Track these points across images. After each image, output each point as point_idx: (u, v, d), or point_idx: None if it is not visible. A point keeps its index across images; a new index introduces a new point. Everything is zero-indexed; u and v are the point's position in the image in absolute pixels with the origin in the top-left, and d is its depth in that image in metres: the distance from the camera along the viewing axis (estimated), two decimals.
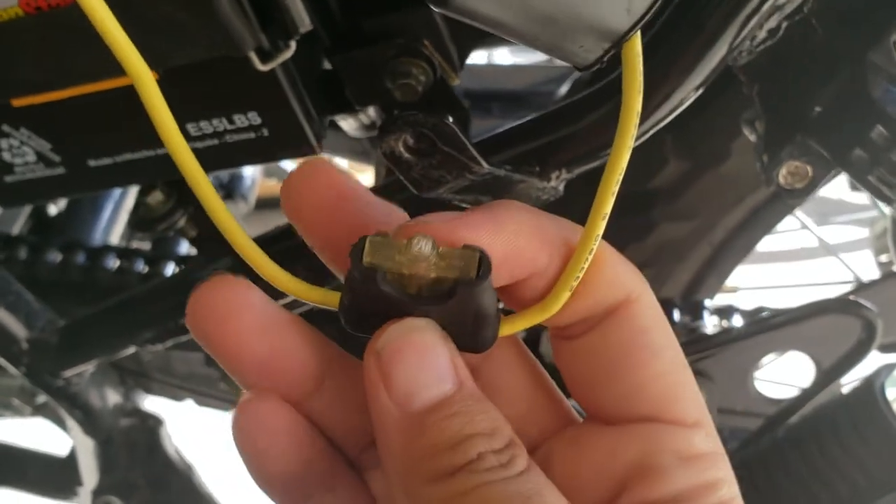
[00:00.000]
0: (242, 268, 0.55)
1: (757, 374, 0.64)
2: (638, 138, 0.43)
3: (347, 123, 0.55)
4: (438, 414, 0.23)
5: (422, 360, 0.23)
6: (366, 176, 1.36)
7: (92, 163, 0.47)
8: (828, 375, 0.59)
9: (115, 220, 0.82)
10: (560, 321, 0.26)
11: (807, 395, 0.61)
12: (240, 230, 0.26)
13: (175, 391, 0.78)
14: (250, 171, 1.08)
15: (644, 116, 0.42)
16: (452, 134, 0.37)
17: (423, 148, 0.38)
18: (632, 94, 0.25)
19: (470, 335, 0.24)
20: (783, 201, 0.69)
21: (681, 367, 0.26)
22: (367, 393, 0.23)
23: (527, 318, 0.25)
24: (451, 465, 0.22)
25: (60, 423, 0.72)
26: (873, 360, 0.58)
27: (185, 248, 0.92)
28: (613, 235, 0.50)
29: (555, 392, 0.28)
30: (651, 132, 0.41)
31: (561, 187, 0.43)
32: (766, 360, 0.64)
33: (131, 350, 0.58)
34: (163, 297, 0.57)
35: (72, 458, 0.81)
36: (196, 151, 0.44)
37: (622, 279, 0.26)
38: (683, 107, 0.40)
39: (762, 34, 0.38)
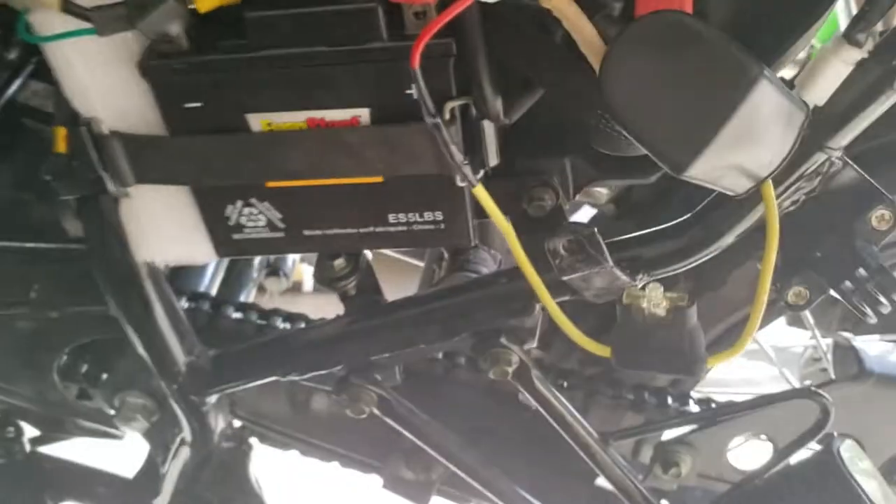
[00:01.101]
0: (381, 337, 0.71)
1: (731, 447, 0.84)
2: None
3: None
4: None
5: None
6: None
7: (307, 232, 0.64)
8: (785, 451, 0.79)
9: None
10: None
11: (767, 466, 0.80)
12: (543, 288, 0.45)
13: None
14: (292, 255, 1.26)
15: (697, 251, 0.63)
16: (598, 242, 0.57)
17: (573, 248, 0.57)
18: (772, 220, 0.45)
19: (685, 361, 0.43)
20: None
21: None
22: None
23: (723, 356, 0.44)
24: None
25: (162, 445, 0.86)
26: None
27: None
28: None
29: None
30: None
31: (640, 285, 0.63)
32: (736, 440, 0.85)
33: (272, 379, 0.74)
34: (307, 338, 0.74)
35: (138, 481, 0.94)
36: (388, 233, 0.63)
37: None
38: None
39: (787, 203, 0.60)
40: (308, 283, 2.19)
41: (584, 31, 0.50)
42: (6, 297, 0.80)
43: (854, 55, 0.54)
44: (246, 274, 1.14)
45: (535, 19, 0.55)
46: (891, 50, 0.54)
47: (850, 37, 0.53)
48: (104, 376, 0.89)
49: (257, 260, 1.19)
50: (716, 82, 0.45)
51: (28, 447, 0.95)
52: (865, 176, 0.60)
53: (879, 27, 0.56)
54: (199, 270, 0.97)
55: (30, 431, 0.96)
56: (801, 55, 0.67)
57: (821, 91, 0.55)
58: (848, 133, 0.56)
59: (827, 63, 0.54)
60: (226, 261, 1.02)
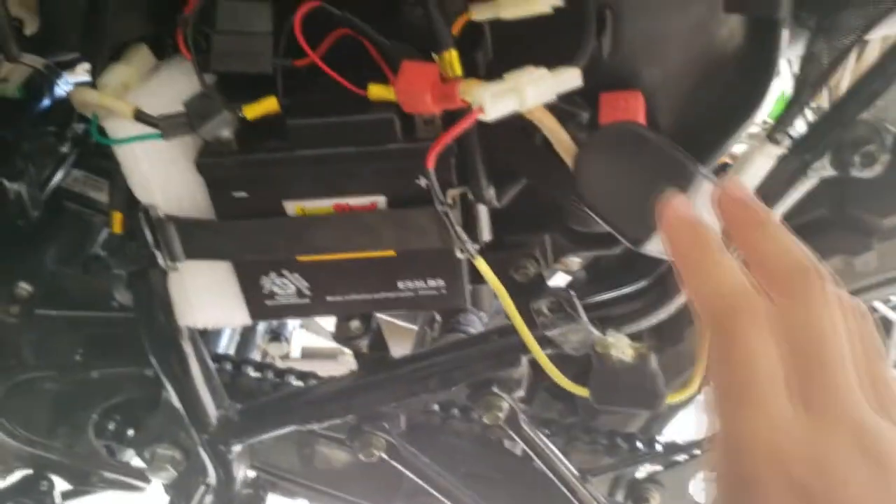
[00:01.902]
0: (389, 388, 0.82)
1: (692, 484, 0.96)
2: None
3: None
4: None
5: None
6: None
7: (329, 298, 0.76)
8: None
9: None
10: None
11: None
12: (533, 341, 0.57)
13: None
14: (292, 321, 1.37)
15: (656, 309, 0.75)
16: (574, 303, 0.69)
17: (554, 307, 0.70)
18: None
19: (648, 398, 0.54)
20: None
21: None
22: None
23: (678, 395, 0.56)
24: None
25: (185, 494, 0.95)
26: None
27: None
28: None
29: None
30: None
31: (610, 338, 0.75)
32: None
33: (293, 428, 0.84)
34: (324, 391, 0.84)
35: None
36: (397, 298, 0.75)
37: None
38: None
39: None
40: (295, 350, 2.30)
41: (559, 137, 0.63)
42: (55, 360, 0.91)
43: (775, 151, 0.68)
44: (252, 339, 1.24)
45: (519, 126, 0.68)
46: (803, 147, 0.68)
47: (771, 137, 0.67)
48: (130, 433, 1.00)
49: (261, 327, 1.30)
50: (663, 177, 0.58)
51: (59, 500, 1.03)
52: None
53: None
54: (217, 335, 1.08)
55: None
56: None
57: (750, 179, 0.68)
58: (775, 213, 0.70)
59: (754, 157, 0.68)
60: (240, 327, 1.14)
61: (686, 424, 1.10)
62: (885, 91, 0.65)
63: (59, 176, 0.95)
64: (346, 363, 2.07)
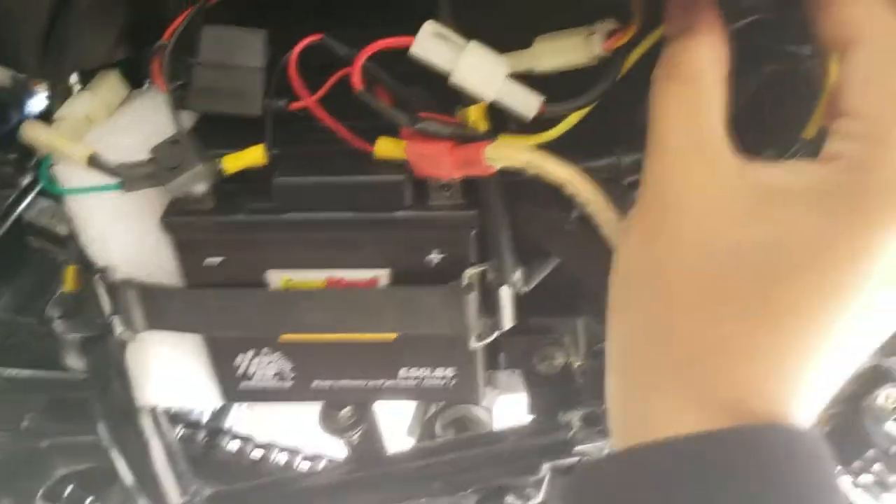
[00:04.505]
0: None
1: None
2: None
3: None
4: None
5: None
6: None
7: (315, 384, 0.64)
8: None
9: None
10: None
11: None
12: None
13: None
14: None
15: None
16: None
17: (591, 420, 0.57)
18: None
19: None
20: None
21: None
22: None
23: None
24: None
25: None
26: None
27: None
28: None
29: None
30: None
31: None
32: None
33: None
34: (307, 485, 0.72)
35: None
36: (397, 387, 0.63)
37: None
38: None
39: None
40: None
41: (599, 207, 0.50)
42: None
43: None
44: None
45: (553, 197, 0.56)
46: None
47: None
48: (88, 501, 0.88)
49: None
50: None
51: None
52: None
53: None
54: None
55: None
56: None
57: None
58: None
59: None
60: None
61: None
62: None
63: (20, 207, 0.83)
64: None
